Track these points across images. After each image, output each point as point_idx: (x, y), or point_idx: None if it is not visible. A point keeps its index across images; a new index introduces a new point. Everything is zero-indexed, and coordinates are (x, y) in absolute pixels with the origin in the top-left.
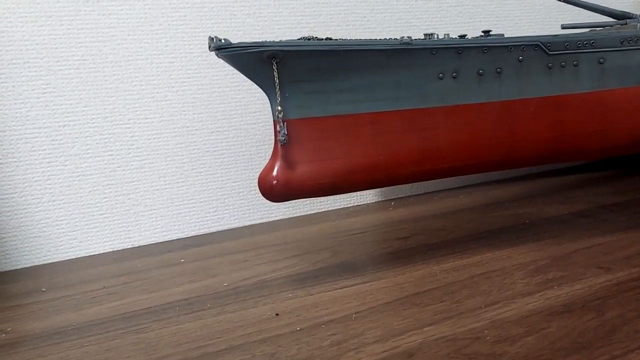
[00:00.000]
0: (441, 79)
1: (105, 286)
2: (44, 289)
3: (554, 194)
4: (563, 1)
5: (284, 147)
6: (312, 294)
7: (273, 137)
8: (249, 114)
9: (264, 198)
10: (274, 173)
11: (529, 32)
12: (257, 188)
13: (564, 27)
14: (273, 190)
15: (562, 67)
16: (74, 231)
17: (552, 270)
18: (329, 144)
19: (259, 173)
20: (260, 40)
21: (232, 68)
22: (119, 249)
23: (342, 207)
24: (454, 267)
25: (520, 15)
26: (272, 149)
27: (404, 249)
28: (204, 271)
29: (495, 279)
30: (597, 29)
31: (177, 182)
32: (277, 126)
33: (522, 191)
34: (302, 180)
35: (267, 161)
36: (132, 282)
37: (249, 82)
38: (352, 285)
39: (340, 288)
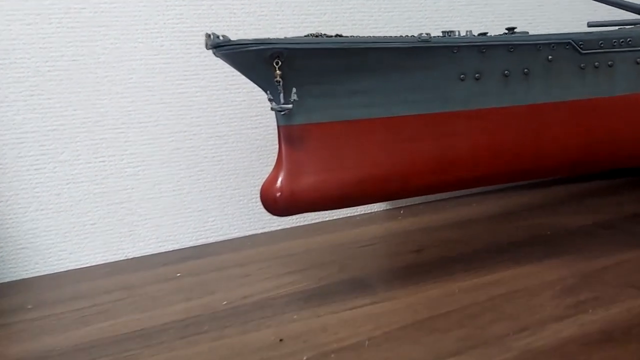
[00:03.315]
0: (463, 80)
1: (96, 304)
2: (29, 306)
3: (573, 202)
4: None
5: (288, 151)
6: (319, 316)
7: (277, 144)
8: (249, 117)
9: None
10: (278, 184)
11: (543, 32)
12: (259, 198)
13: (590, 25)
14: (277, 203)
15: (596, 67)
16: (63, 242)
17: (583, 290)
18: (339, 152)
19: (260, 181)
20: (263, 38)
21: (232, 68)
22: (112, 261)
23: (348, 215)
24: (472, 286)
25: (534, 15)
26: (275, 156)
27: (416, 263)
28: (202, 287)
29: (520, 300)
30: (627, 27)
31: (174, 190)
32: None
33: (538, 199)
34: (308, 192)
35: (270, 171)
36: (125, 298)
37: (250, 83)
38: (362, 306)
39: (350, 309)
